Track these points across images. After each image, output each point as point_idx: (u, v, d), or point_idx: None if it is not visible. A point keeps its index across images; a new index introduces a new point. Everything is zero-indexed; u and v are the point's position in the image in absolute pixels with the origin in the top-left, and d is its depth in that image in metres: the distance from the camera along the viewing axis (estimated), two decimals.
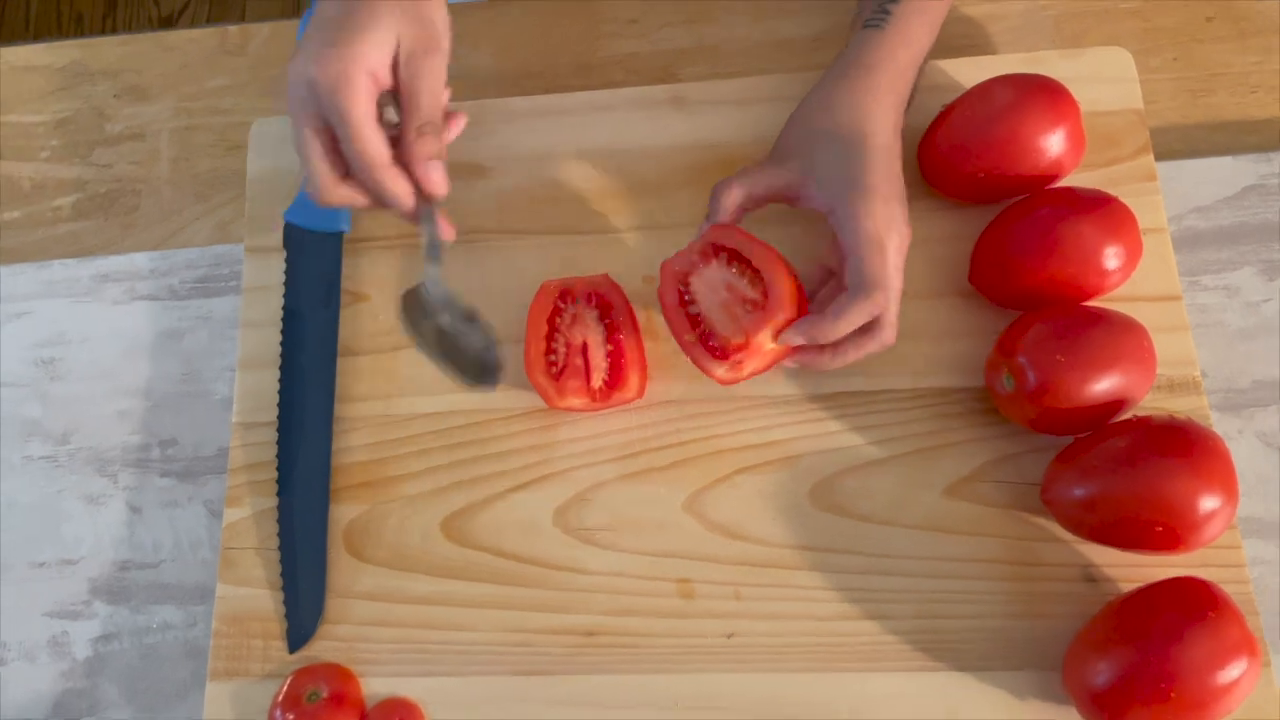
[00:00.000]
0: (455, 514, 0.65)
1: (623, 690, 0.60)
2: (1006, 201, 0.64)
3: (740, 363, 0.59)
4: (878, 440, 0.63)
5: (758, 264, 0.59)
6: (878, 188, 0.58)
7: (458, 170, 0.71)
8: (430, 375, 0.67)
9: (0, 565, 0.69)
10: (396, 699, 0.61)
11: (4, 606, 0.69)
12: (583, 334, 0.64)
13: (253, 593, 0.64)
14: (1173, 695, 0.51)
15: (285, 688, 0.61)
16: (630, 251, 0.69)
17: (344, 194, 0.56)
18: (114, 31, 1.79)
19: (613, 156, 0.71)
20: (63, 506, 0.70)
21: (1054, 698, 0.58)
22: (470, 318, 0.60)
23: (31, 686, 0.67)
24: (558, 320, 0.64)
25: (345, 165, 0.55)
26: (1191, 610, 0.53)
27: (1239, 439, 0.63)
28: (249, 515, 0.66)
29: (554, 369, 0.63)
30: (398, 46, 0.54)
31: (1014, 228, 0.61)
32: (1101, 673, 0.54)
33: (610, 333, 0.64)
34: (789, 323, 0.58)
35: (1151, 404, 0.61)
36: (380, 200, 0.56)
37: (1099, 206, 0.60)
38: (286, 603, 0.63)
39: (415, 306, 0.59)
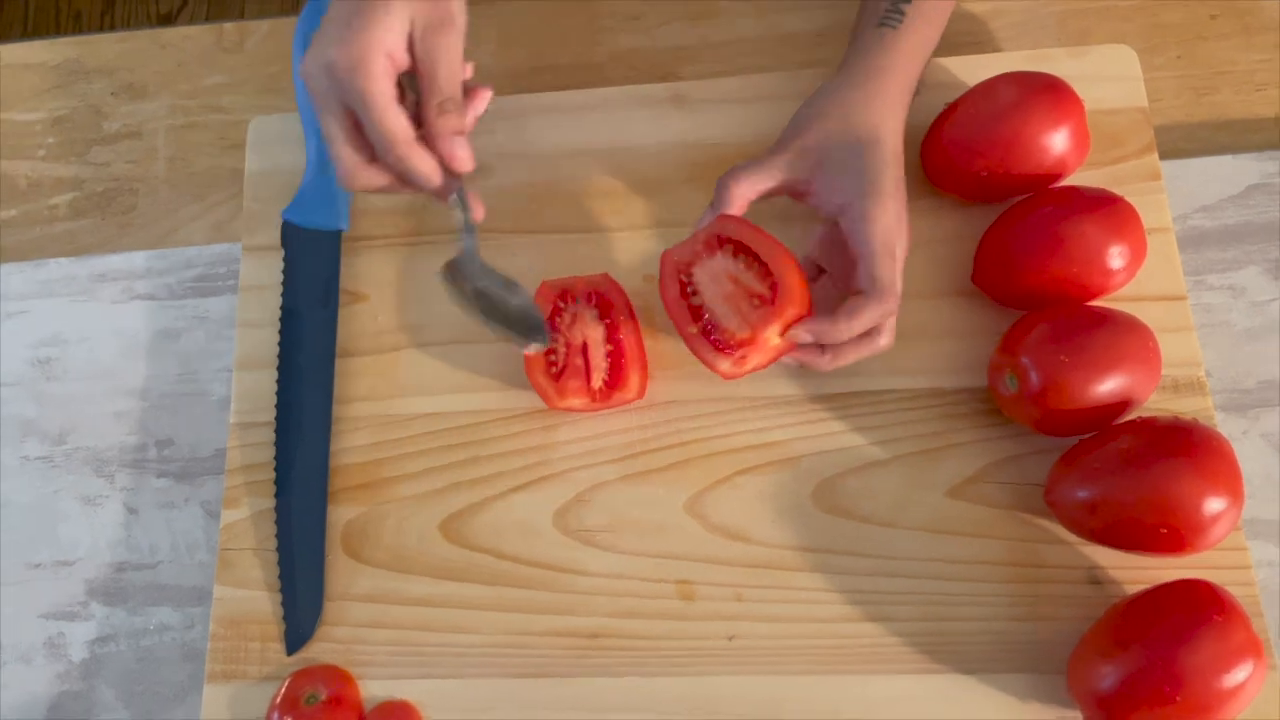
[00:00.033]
0: (454, 515, 0.64)
1: (623, 693, 0.60)
2: (1010, 200, 0.63)
3: (744, 357, 0.58)
4: (880, 441, 0.63)
5: (766, 258, 0.58)
6: (891, 194, 0.58)
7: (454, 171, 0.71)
8: (429, 375, 0.67)
9: None
10: (395, 701, 0.61)
11: (0, 608, 0.68)
12: (583, 334, 0.63)
13: (250, 594, 0.64)
14: (1179, 699, 0.51)
15: (283, 690, 0.61)
16: (631, 250, 0.68)
17: (372, 177, 0.56)
18: (112, 29, 1.79)
19: (613, 155, 0.70)
20: (59, 507, 0.70)
21: (1058, 701, 0.57)
22: (509, 284, 0.59)
23: (27, 689, 0.66)
24: (558, 320, 0.64)
25: (371, 149, 0.55)
26: (1197, 613, 0.53)
27: (1244, 440, 0.63)
28: (246, 516, 0.65)
29: (554, 369, 0.63)
30: (412, 25, 0.54)
31: (1018, 227, 0.61)
32: (1106, 676, 0.53)
33: (610, 332, 0.63)
34: (798, 319, 0.57)
35: (1156, 405, 0.61)
36: (408, 180, 0.56)
37: (1103, 206, 0.60)
38: (284, 604, 0.63)
39: (455, 275, 0.59)
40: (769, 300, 0.57)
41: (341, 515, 0.65)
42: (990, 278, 0.62)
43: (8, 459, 0.71)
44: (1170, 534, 0.54)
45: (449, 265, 0.59)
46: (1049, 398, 0.57)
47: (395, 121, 0.53)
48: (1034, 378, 0.57)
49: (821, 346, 0.59)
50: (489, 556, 0.63)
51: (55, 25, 1.85)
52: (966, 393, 0.63)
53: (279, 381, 0.67)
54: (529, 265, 0.68)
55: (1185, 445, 0.55)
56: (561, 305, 0.64)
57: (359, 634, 0.63)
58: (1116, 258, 0.59)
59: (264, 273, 0.70)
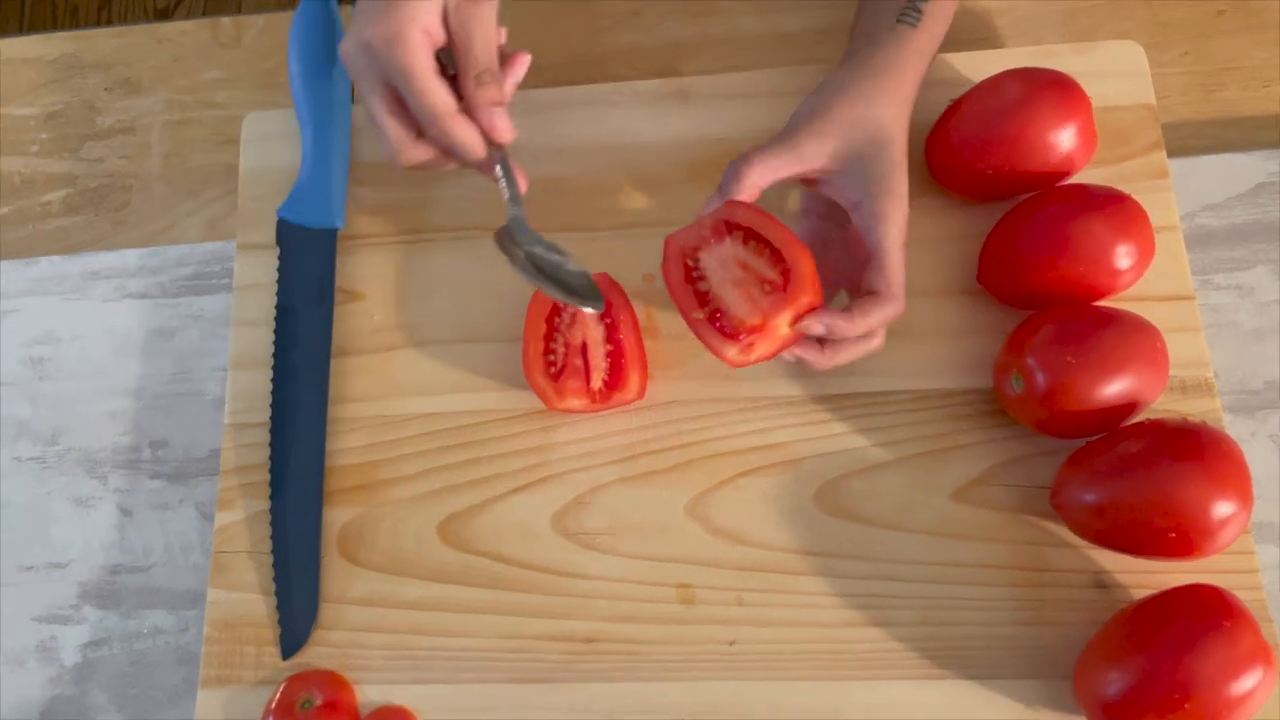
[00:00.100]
0: (452, 517, 0.63)
1: (622, 699, 0.59)
2: (1016, 199, 0.62)
3: (751, 345, 0.56)
4: (884, 442, 0.62)
5: (778, 245, 0.57)
6: (904, 195, 0.58)
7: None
8: (426, 375, 0.66)
9: None
10: (391, 707, 0.60)
11: None
12: (582, 334, 0.62)
13: (245, 597, 0.63)
14: (1187, 706, 0.50)
15: (278, 695, 0.60)
16: (630, 249, 0.67)
17: (420, 153, 0.57)
18: (109, 24, 1.78)
19: (614, 152, 0.69)
20: (51, 509, 0.69)
21: (1064, 707, 0.57)
22: (559, 250, 0.59)
23: (19, 693, 0.65)
24: (556, 320, 0.63)
25: (416, 125, 0.56)
26: (1205, 618, 0.52)
27: (1252, 442, 0.62)
28: (241, 518, 0.65)
29: (553, 369, 0.62)
30: (446, 0, 0.54)
31: (1024, 226, 0.60)
32: (1113, 682, 0.53)
33: (610, 332, 0.62)
34: (810, 308, 0.56)
35: (1163, 406, 0.60)
36: (453, 152, 0.57)
37: (1111, 204, 0.59)
38: (279, 608, 0.62)
39: (508, 242, 0.59)
40: (781, 287, 0.56)
41: (337, 517, 0.64)
42: (996, 277, 0.62)
43: None
44: (1178, 538, 0.53)
45: (501, 232, 0.59)
46: (1055, 399, 0.56)
47: (438, 94, 0.54)
48: (1040, 379, 0.56)
49: (821, 343, 0.58)
50: (487, 559, 0.62)
51: (52, 20, 1.84)
52: (971, 394, 0.62)
53: (274, 381, 0.66)
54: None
55: (1194, 448, 0.54)
56: (560, 305, 0.63)
57: (355, 638, 0.62)
58: (1124, 257, 0.58)
59: (259, 271, 0.69)
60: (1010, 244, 0.61)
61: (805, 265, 0.56)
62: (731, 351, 0.57)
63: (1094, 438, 0.57)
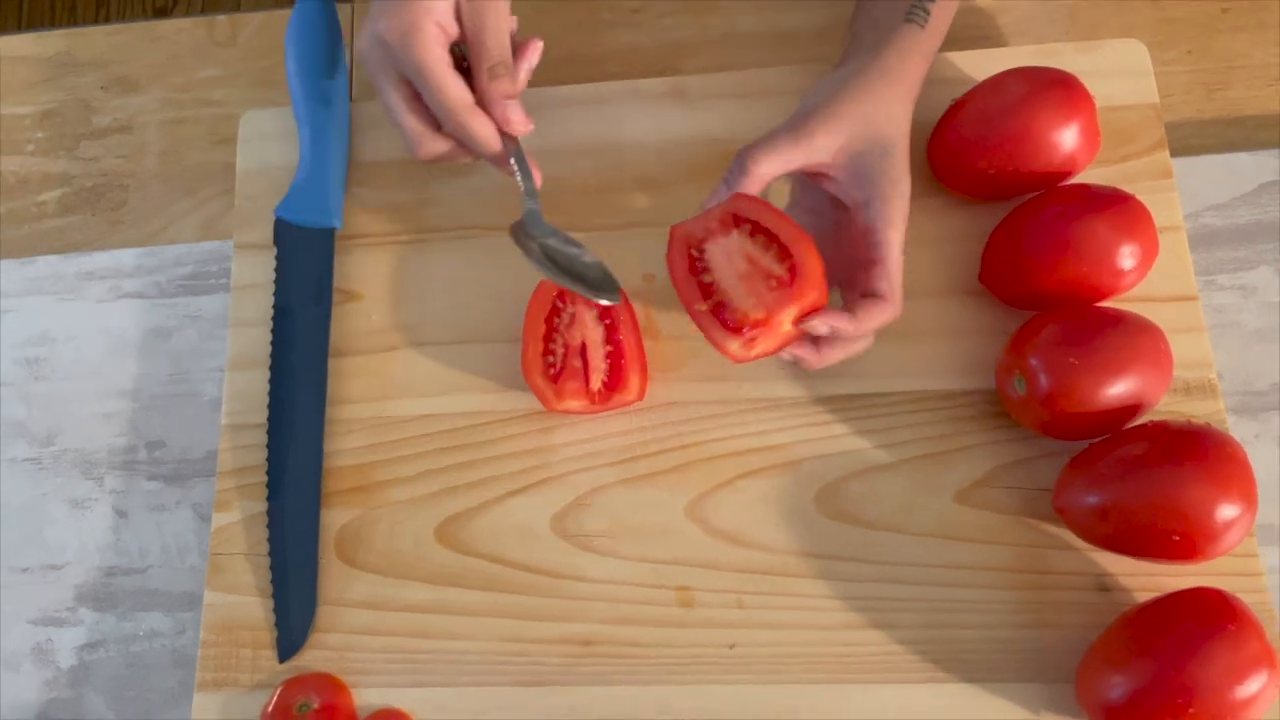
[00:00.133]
0: (450, 519, 0.63)
1: (621, 702, 0.59)
2: (1019, 199, 0.62)
3: (754, 339, 0.56)
4: (885, 444, 0.62)
5: (786, 240, 0.56)
6: (908, 196, 0.57)
7: (456, 166, 0.69)
8: (424, 376, 0.65)
9: None
10: (389, 710, 0.60)
11: None
12: (581, 334, 0.62)
13: (242, 600, 0.63)
14: (1190, 711, 0.50)
15: (275, 699, 0.59)
16: (630, 249, 0.67)
17: (439, 145, 0.58)
18: (107, 21, 1.77)
19: (612, 151, 0.69)
20: (47, 510, 0.68)
21: (1067, 711, 0.56)
22: (575, 243, 0.60)
23: (15, 696, 0.65)
24: (555, 320, 0.62)
25: (433, 118, 0.57)
26: (1209, 622, 0.51)
27: (1255, 443, 0.62)
28: (238, 520, 0.64)
29: (552, 370, 0.62)
30: None
31: (1026, 226, 0.60)
32: (1116, 686, 0.52)
33: (609, 333, 0.62)
34: (816, 305, 0.55)
35: (1167, 407, 0.60)
36: (469, 146, 0.57)
37: (1114, 204, 0.58)
38: (276, 610, 0.62)
39: (523, 235, 0.59)
40: (787, 283, 0.56)
41: (335, 519, 0.64)
42: (998, 277, 0.61)
43: None
44: (1182, 541, 0.53)
45: (516, 225, 0.59)
46: (1058, 401, 0.56)
47: (452, 88, 0.55)
48: (1043, 380, 0.56)
49: (816, 341, 0.58)
50: (485, 561, 0.62)
51: (50, 17, 1.83)
52: (973, 395, 0.62)
53: (271, 382, 0.66)
54: (526, 264, 0.66)
55: (1198, 450, 0.53)
56: (560, 305, 0.63)
57: (352, 641, 0.61)
58: (1128, 258, 0.58)
59: (256, 271, 0.69)
60: (1013, 244, 0.60)
61: (813, 262, 0.55)
62: (734, 345, 0.56)
63: (1097, 440, 0.57)
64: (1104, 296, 0.59)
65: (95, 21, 1.82)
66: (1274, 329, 0.63)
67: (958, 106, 0.63)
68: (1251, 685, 0.50)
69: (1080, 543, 0.58)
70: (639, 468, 0.63)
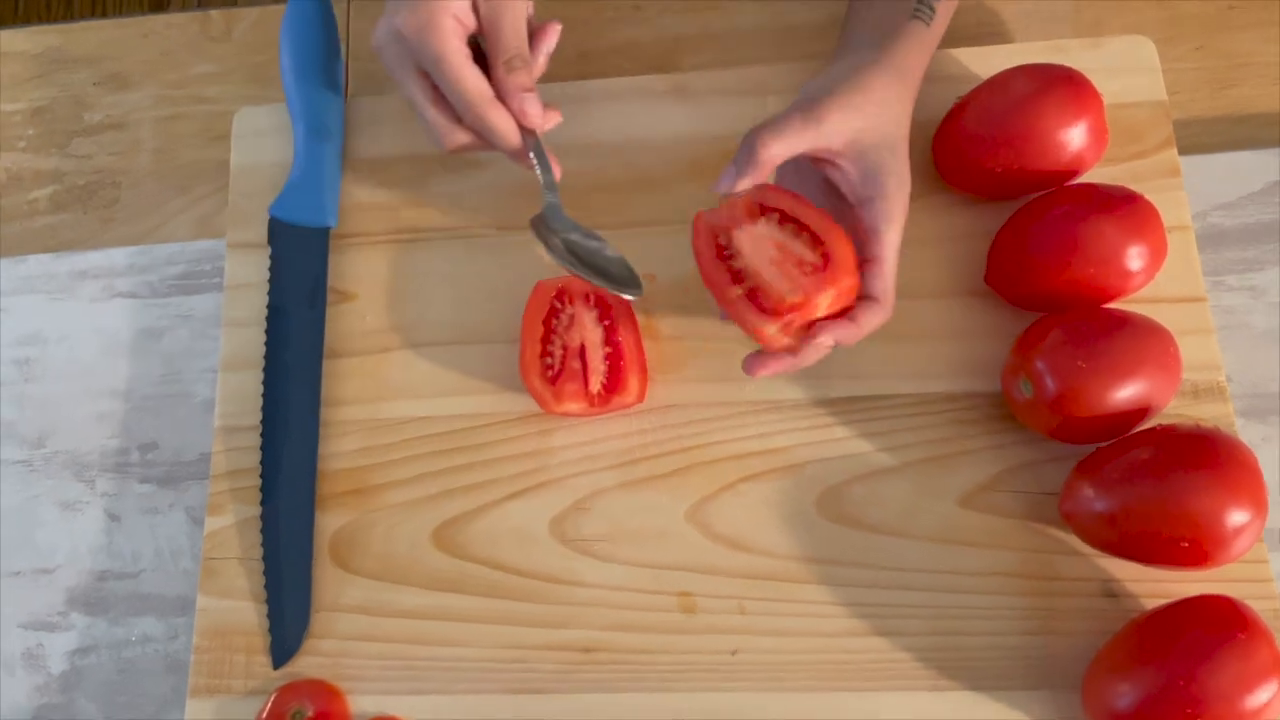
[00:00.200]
0: (447, 523, 0.62)
1: (621, 709, 0.58)
2: (1025, 198, 0.61)
3: (791, 324, 0.55)
4: (888, 447, 0.61)
5: (816, 228, 0.55)
6: (908, 196, 0.57)
7: (453, 163, 0.68)
8: (420, 378, 0.65)
9: None
10: (384, 717, 0.59)
11: None
12: (580, 336, 0.61)
13: (235, 605, 0.62)
14: None
15: (269, 705, 0.58)
16: (630, 248, 0.65)
17: (464, 138, 0.58)
18: (103, 16, 1.76)
19: (612, 149, 0.68)
20: (38, 513, 0.67)
21: (1073, 719, 0.55)
22: (595, 237, 0.59)
23: (6, 701, 0.64)
24: (554, 322, 0.61)
25: (453, 110, 0.56)
26: (1218, 630, 0.51)
27: (1264, 446, 0.61)
28: (231, 523, 0.63)
29: (550, 372, 0.61)
30: None
31: (1033, 226, 0.59)
32: (1123, 695, 0.51)
33: (609, 334, 0.61)
34: (852, 289, 0.55)
35: (1175, 411, 0.59)
36: (488, 139, 0.57)
37: (1122, 204, 0.57)
38: (270, 615, 0.61)
39: (544, 229, 0.59)
40: (821, 268, 0.55)
41: (330, 523, 0.63)
42: (1004, 278, 0.60)
43: None
44: (1191, 547, 0.52)
45: (536, 219, 0.59)
46: (1065, 404, 0.55)
47: (471, 80, 0.55)
48: (1050, 383, 0.55)
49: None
50: (483, 566, 0.61)
51: (46, 12, 1.82)
52: (978, 397, 0.61)
53: (265, 383, 0.65)
54: (525, 264, 0.66)
55: (1207, 455, 0.53)
56: (558, 306, 0.62)
57: (347, 647, 0.60)
58: (1136, 258, 0.57)
59: (250, 270, 0.68)
60: (1019, 244, 0.59)
61: (845, 249, 0.55)
62: (771, 329, 0.55)
63: (1104, 444, 0.56)
64: (1111, 298, 0.58)
65: (92, 15, 1.80)
66: None
67: (963, 104, 0.62)
68: (1262, 695, 0.49)
69: (1087, 548, 0.57)
70: (639, 471, 0.62)
